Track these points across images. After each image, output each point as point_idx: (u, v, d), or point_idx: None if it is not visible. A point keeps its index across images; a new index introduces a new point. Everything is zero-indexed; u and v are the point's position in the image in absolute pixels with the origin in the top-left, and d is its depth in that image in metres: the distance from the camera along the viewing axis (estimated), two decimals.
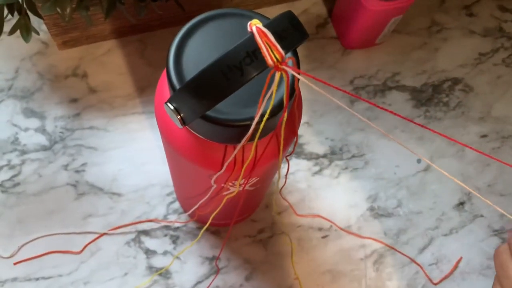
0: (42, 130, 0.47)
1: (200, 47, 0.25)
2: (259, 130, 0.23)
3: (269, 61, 0.20)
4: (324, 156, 0.49)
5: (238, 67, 0.20)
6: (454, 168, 0.50)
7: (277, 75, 0.21)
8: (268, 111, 0.22)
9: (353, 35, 0.51)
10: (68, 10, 0.37)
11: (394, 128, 0.51)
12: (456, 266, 0.47)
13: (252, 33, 0.20)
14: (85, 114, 0.48)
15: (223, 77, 0.20)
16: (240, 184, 0.27)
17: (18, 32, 0.38)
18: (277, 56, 0.20)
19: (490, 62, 0.54)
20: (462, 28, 0.55)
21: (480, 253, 0.47)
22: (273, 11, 0.53)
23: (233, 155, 0.25)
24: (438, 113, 0.52)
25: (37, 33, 0.41)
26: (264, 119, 0.22)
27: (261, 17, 0.26)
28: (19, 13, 0.38)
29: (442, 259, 0.47)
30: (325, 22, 0.54)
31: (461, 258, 0.47)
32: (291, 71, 0.21)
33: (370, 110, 0.51)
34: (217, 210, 0.30)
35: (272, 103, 0.22)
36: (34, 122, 0.48)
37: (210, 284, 0.44)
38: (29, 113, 0.48)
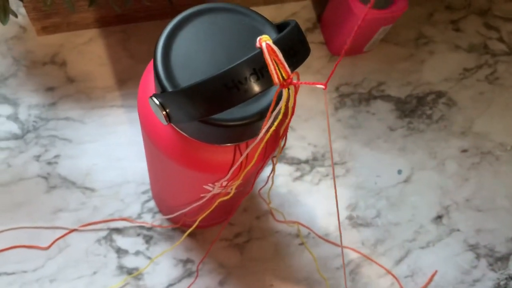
0: (14, 118, 0.45)
1: (191, 41, 0.24)
2: (268, 134, 0.23)
3: (276, 80, 0.19)
4: (306, 162, 0.48)
5: (243, 83, 0.19)
6: (434, 181, 0.50)
7: (285, 92, 0.20)
8: (276, 123, 0.22)
9: (341, 41, 0.50)
10: None
11: (376, 138, 0.50)
12: (431, 280, 0.47)
13: (261, 49, 0.19)
14: (61, 104, 0.46)
15: (226, 91, 0.19)
16: (229, 186, 0.26)
17: None
18: (284, 74, 0.19)
19: (474, 78, 0.55)
20: (448, 42, 0.56)
21: (455, 268, 0.47)
22: (262, 12, 0.52)
23: (243, 156, 0.24)
24: (421, 125, 0.52)
25: (15, 15, 0.39)
26: (271, 130, 0.22)
27: (257, 16, 0.25)
28: None
29: (418, 271, 0.47)
30: (313, 26, 0.54)
31: (436, 271, 0.47)
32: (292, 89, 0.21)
33: (354, 118, 0.51)
34: (206, 213, 0.29)
35: (280, 117, 0.22)
36: (6, 109, 0.45)
37: None
38: (1, 99, 0.45)
